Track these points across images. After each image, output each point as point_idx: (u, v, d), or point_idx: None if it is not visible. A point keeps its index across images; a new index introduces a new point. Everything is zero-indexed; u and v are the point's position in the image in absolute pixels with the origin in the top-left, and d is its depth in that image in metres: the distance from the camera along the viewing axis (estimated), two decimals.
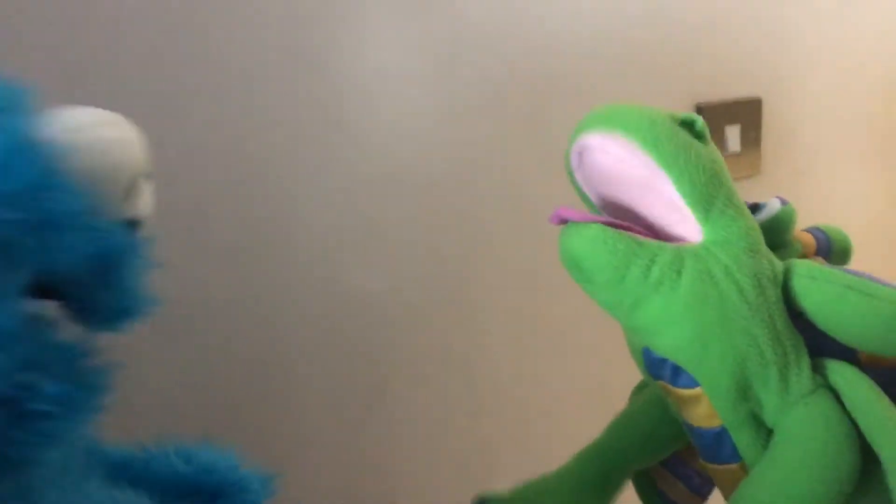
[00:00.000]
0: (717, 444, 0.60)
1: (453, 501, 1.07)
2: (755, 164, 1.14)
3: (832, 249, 0.69)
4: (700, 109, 1.09)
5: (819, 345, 0.58)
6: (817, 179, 1.21)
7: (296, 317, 0.95)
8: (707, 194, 0.55)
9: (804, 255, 0.65)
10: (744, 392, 0.56)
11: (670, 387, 0.61)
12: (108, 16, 0.79)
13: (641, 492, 0.74)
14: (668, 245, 0.55)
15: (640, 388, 0.76)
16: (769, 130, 1.15)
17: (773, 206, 0.64)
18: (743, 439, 0.59)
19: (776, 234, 0.63)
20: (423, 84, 0.96)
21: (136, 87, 0.84)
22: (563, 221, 0.59)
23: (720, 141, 1.10)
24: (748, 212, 0.58)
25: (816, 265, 0.58)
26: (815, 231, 0.69)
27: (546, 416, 1.10)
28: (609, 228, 0.55)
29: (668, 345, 0.57)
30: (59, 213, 0.39)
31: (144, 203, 0.49)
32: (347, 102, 0.92)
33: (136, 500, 0.43)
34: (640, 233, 0.56)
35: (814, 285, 0.56)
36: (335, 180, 0.94)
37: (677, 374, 0.59)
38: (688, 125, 0.57)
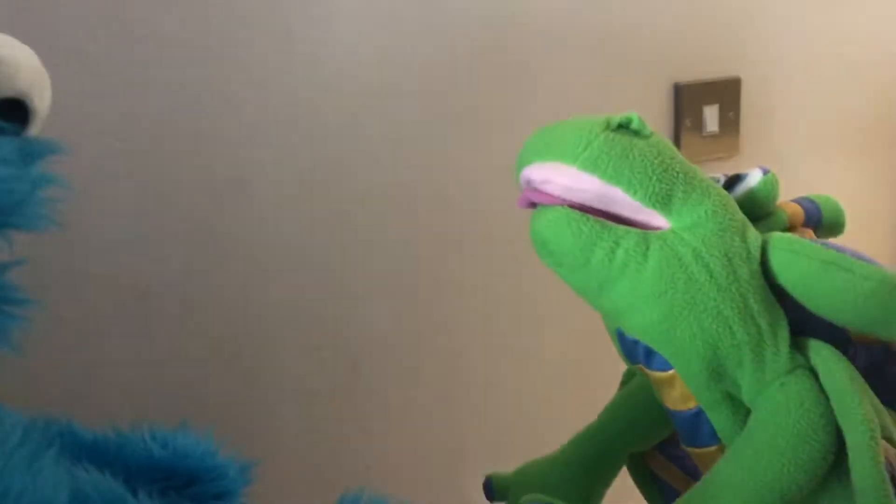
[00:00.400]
0: (695, 427, 0.60)
1: (425, 483, 1.07)
2: (734, 144, 1.14)
3: (822, 220, 0.67)
4: (678, 89, 1.08)
5: (809, 321, 0.57)
6: (797, 160, 1.21)
7: (265, 300, 0.95)
8: (662, 190, 0.55)
9: (791, 226, 0.64)
10: (716, 373, 0.56)
11: (646, 370, 0.61)
12: None
13: (636, 474, 0.75)
14: (635, 230, 0.55)
15: (630, 373, 0.76)
16: (748, 111, 1.15)
17: (752, 178, 0.63)
18: (720, 420, 0.59)
19: (756, 205, 0.62)
20: (395, 74, 0.95)
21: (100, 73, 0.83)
22: (532, 205, 0.58)
23: (698, 121, 1.10)
24: (716, 189, 0.58)
25: (796, 238, 0.57)
26: (803, 201, 0.67)
27: (519, 399, 1.11)
28: (575, 211, 0.55)
29: (637, 326, 0.57)
30: None
31: (9, 75, 0.44)
32: (314, 73, 0.92)
33: (100, 479, 0.42)
34: (603, 216, 0.56)
35: (793, 259, 0.55)
36: (301, 156, 0.93)
37: (650, 356, 0.59)
38: (625, 126, 0.56)
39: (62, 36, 0.80)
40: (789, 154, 1.21)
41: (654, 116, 1.09)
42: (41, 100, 0.47)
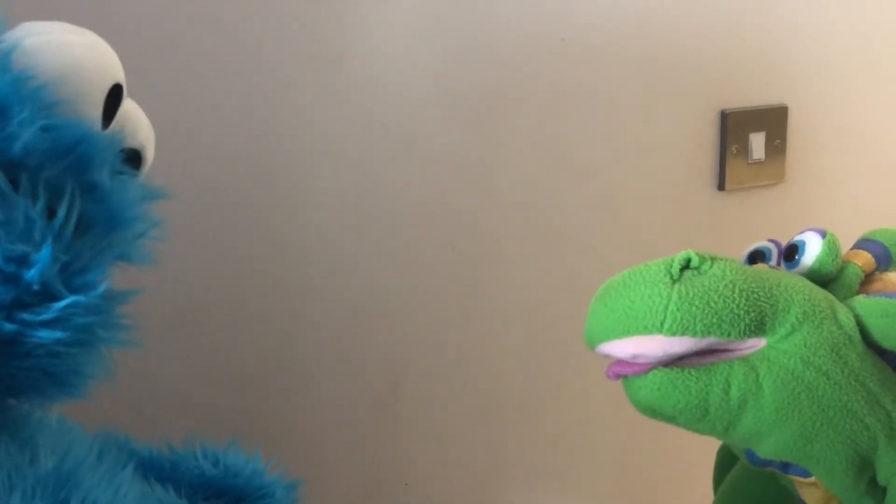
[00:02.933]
0: None
1: (465, 500, 1.07)
2: (779, 172, 1.13)
3: (892, 257, 0.64)
4: (725, 116, 1.08)
5: None
6: (842, 188, 1.20)
7: (309, 316, 0.96)
8: (754, 320, 0.52)
9: (865, 276, 0.61)
10: (860, 469, 0.54)
11: (781, 473, 0.59)
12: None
13: None
14: (736, 360, 0.53)
15: (725, 448, 0.74)
16: (794, 138, 1.14)
17: (812, 246, 0.59)
18: None
19: (825, 273, 0.59)
20: (437, 92, 0.96)
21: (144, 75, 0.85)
22: (621, 376, 0.56)
23: (744, 148, 1.10)
24: (794, 284, 0.55)
25: (884, 301, 0.55)
26: (868, 245, 0.63)
27: (557, 424, 1.10)
28: (672, 369, 0.53)
29: (771, 450, 0.55)
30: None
31: (133, 130, 0.50)
32: (366, 99, 0.93)
33: (165, 495, 0.43)
34: (697, 357, 0.54)
35: (892, 325, 0.54)
36: (349, 178, 0.94)
37: (787, 466, 0.57)
38: (686, 267, 0.53)
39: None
40: (835, 182, 1.20)
41: (701, 143, 1.09)
42: (150, 152, 0.54)
